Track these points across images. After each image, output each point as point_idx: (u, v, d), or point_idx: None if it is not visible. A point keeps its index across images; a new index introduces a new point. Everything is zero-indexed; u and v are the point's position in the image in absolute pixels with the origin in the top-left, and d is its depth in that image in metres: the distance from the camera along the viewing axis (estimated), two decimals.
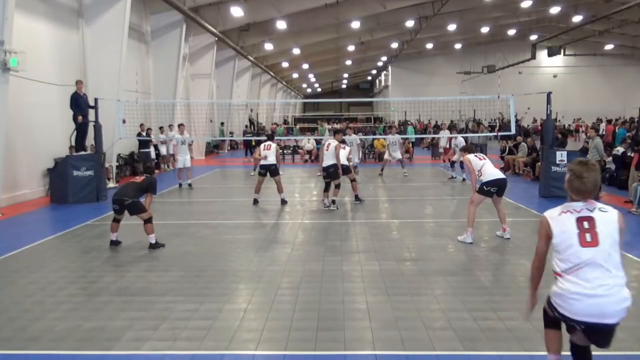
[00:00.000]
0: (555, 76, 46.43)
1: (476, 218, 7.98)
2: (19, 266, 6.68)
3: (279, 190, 11.44)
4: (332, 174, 10.78)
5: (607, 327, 3.11)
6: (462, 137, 15.71)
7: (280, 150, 21.32)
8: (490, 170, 7.89)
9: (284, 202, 11.31)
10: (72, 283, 6.07)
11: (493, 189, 7.83)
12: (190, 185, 14.19)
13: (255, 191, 11.52)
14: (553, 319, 3.31)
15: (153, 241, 7.58)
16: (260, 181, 11.55)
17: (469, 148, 8.76)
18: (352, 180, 11.52)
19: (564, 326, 3.29)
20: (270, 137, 12.25)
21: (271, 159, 11.30)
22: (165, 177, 16.36)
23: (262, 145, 11.55)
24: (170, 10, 18.99)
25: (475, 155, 8.21)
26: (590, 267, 3.06)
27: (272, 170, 11.38)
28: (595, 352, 4.19)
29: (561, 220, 3.18)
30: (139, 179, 7.82)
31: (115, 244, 7.69)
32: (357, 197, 11.46)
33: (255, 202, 11.43)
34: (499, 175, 7.95)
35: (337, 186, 10.86)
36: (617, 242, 3.12)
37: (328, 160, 10.82)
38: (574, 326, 3.17)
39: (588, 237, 3.09)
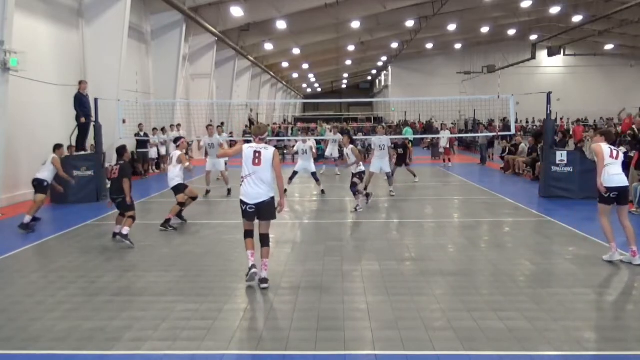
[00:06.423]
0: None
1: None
2: (19, 266, 6.68)
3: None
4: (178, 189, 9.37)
5: None
6: (461, 136, 15.63)
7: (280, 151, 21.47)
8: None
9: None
10: (72, 283, 6.06)
11: (614, 195, 6.54)
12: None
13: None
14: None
15: (125, 232, 7.67)
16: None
17: (608, 133, 7.08)
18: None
19: None
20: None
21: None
22: (166, 177, 16.30)
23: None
24: (170, 10, 18.98)
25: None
26: None
27: None
28: (595, 352, 4.21)
29: None
30: (115, 170, 7.86)
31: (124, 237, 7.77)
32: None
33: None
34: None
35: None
36: None
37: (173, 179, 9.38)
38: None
39: None
